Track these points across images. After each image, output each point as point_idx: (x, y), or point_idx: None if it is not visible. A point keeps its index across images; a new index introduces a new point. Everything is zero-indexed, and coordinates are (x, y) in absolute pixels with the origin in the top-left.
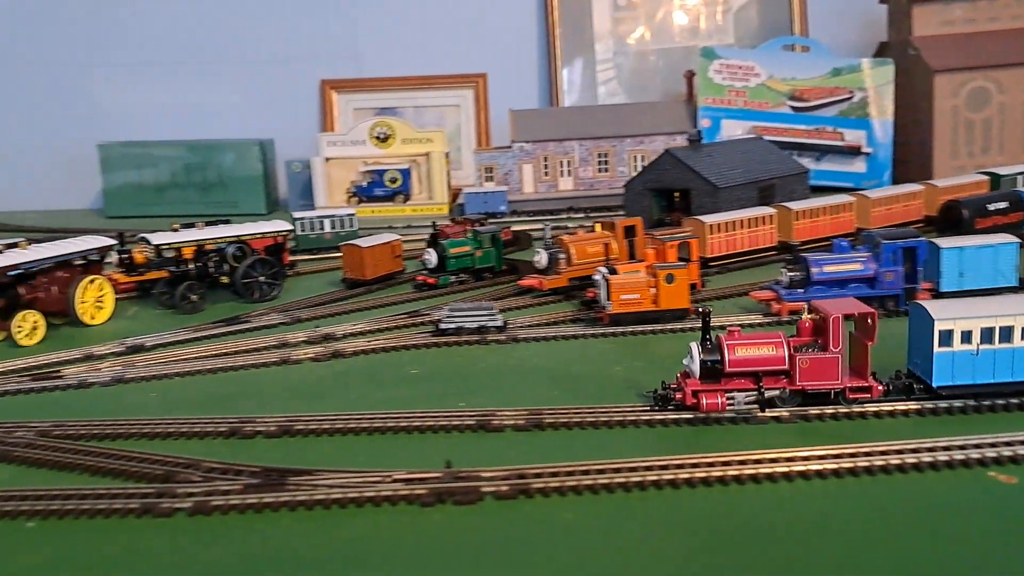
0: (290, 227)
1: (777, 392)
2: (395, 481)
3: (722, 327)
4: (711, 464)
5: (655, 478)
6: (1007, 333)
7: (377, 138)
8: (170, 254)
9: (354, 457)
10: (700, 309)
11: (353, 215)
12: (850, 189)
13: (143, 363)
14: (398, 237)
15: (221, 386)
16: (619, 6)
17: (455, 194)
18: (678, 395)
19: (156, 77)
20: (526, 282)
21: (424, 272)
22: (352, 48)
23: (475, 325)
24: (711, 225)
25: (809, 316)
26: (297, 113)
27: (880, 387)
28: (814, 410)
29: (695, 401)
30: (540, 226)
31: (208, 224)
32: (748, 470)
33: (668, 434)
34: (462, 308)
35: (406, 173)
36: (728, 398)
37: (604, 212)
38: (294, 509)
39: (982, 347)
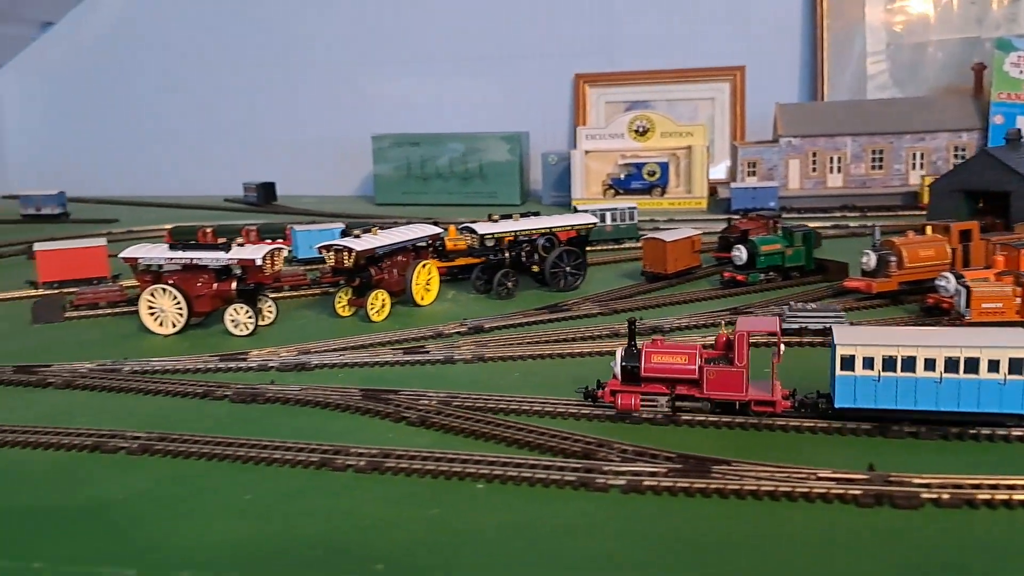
0: (594, 220)
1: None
2: (820, 479)
3: None
4: None
5: None
6: (910, 363)
7: (636, 131)
8: (490, 243)
9: (764, 452)
10: (630, 318)
11: (635, 208)
12: None
13: (491, 343)
14: (698, 232)
15: (576, 370)
16: None
17: (711, 189)
18: (599, 393)
19: (422, 73)
20: (853, 284)
21: (731, 269)
22: (606, 43)
23: (819, 326)
24: None
25: (726, 331)
26: (550, 107)
27: (787, 403)
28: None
29: (612, 400)
30: (814, 224)
31: (521, 216)
32: None
33: None
34: (806, 308)
35: (664, 167)
36: (649, 400)
37: (880, 212)
38: (726, 496)
39: (884, 374)
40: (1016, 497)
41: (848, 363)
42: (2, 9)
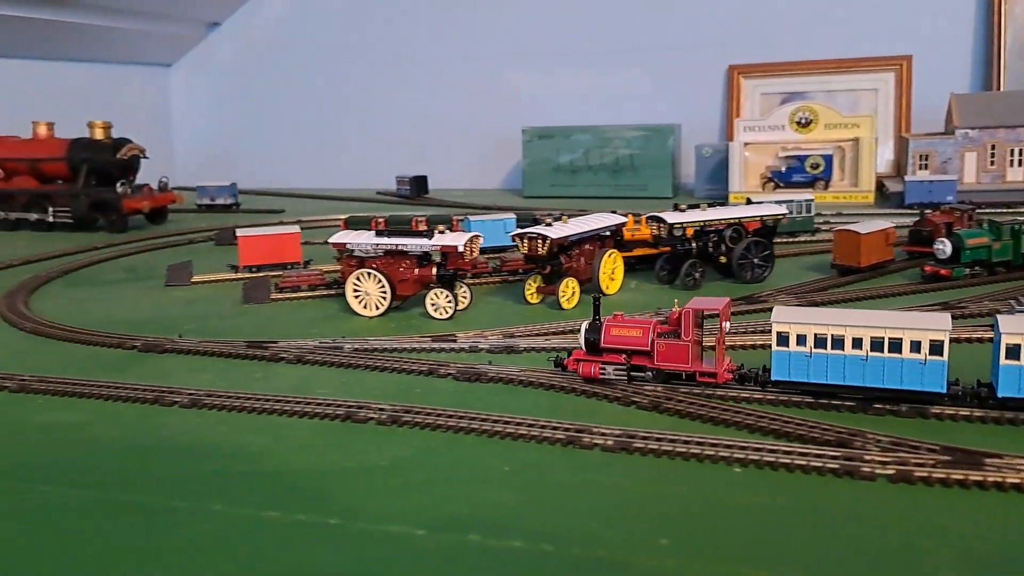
0: (784, 211)
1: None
2: None
3: None
4: None
5: None
6: (838, 341)
7: (798, 123)
8: (678, 233)
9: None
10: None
11: (811, 200)
12: None
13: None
14: (891, 224)
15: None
16: None
17: (877, 183)
18: (566, 361)
19: (571, 64)
20: None
21: (933, 263)
22: (762, 32)
23: None
24: None
25: (676, 308)
26: (702, 98)
27: (729, 375)
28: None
29: (576, 367)
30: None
31: (709, 206)
32: None
33: None
34: None
35: (829, 159)
36: (601, 368)
37: None
38: (1005, 490)
39: (815, 351)
40: None
41: (783, 340)
42: (171, 11)
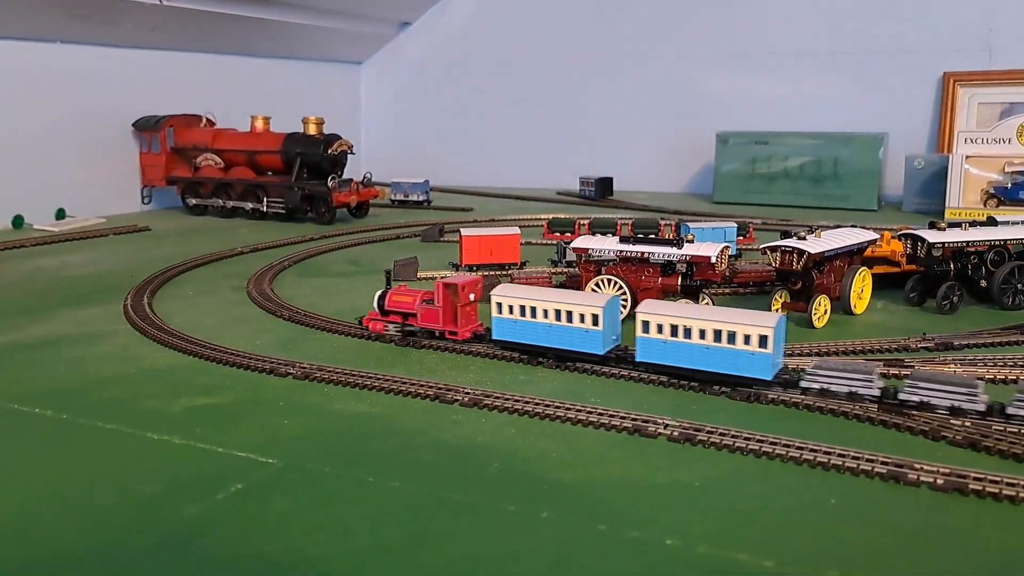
0: None
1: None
2: None
3: None
4: None
5: None
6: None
7: None
8: (937, 253)
9: None
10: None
11: None
12: None
13: (969, 361)
14: None
15: None
16: None
17: None
18: (364, 320)
19: (770, 68)
20: None
21: None
22: (984, 38)
23: None
24: None
25: (442, 280)
26: (911, 107)
27: (468, 334)
28: None
29: (367, 325)
30: None
31: (970, 226)
32: None
33: None
34: None
35: None
36: (385, 327)
37: None
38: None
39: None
40: None
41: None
42: (365, 11)
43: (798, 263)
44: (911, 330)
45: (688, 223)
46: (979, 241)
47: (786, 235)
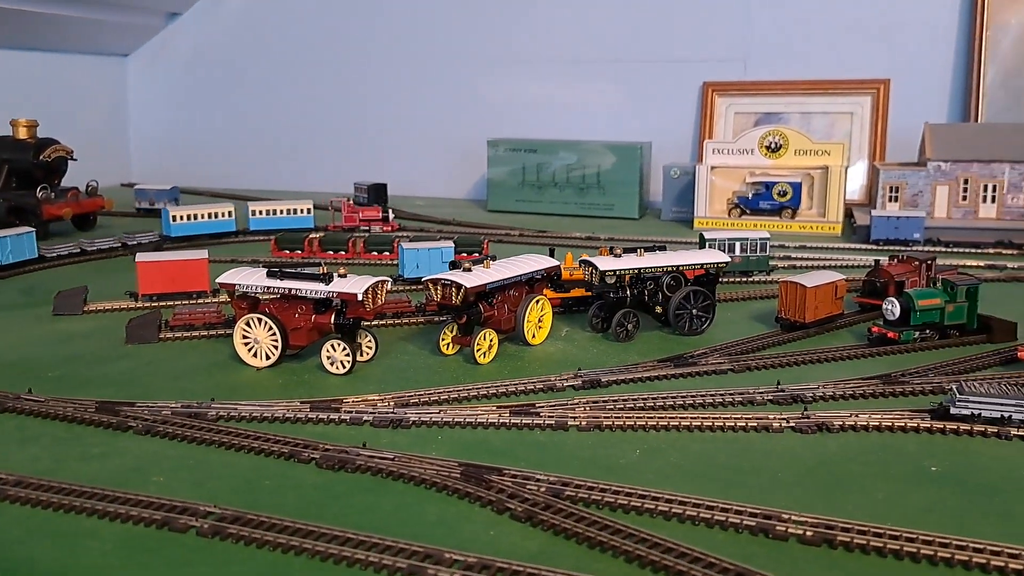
0: (727, 259)
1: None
2: None
3: None
4: None
5: None
6: None
7: (768, 148)
8: (611, 280)
9: None
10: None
11: (767, 240)
12: None
13: (611, 404)
14: (842, 276)
15: (708, 451)
16: None
17: (847, 211)
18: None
19: (541, 76)
20: None
21: (880, 324)
22: (740, 50)
23: (996, 414)
24: None
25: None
26: (675, 116)
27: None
28: None
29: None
30: (964, 262)
31: (646, 251)
32: None
33: None
34: (979, 391)
35: (797, 187)
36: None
37: None
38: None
39: None
40: None
41: None
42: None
43: (457, 297)
44: (585, 361)
45: (403, 244)
46: (652, 268)
47: (455, 266)
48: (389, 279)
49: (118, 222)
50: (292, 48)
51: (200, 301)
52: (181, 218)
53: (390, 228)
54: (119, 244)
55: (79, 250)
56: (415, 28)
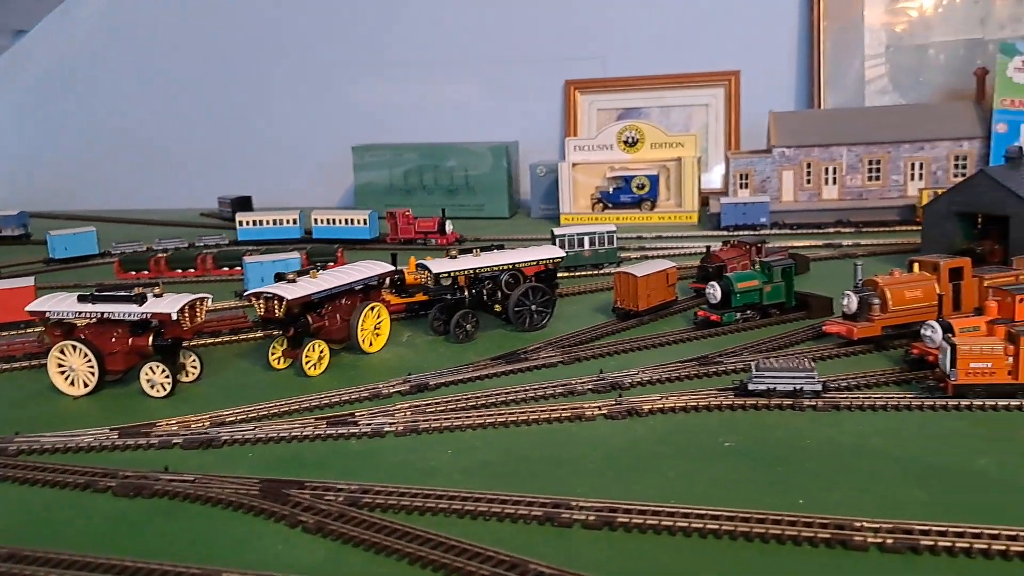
0: (562, 254)
1: None
2: None
3: None
4: None
5: None
6: None
7: (625, 142)
8: (446, 282)
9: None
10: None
11: (614, 232)
12: None
13: (432, 407)
14: (673, 264)
15: (518, 445)
16: None
17: (704, 200)
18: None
19: (404, 79)
20: (832, 329)
21: (705, 308)
22: (599, 48)
23: (789, 388)
24: None
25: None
26: (540, 115)
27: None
28: None
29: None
30: (806, 243)
31: (482, 250)
32: None
33: None
34: (773, 367)
35: (654, 179)
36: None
37: (876, 227)
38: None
39: None
40: None
41: None
42: None
43: (279, 310)
44: (422, 365)
45: (246, 258)
46: (487, 267)
47: (280, 277)
48: (210, 296)
49: None
50: (149, 61)
51: (28, 331)
52: (248, 223)
53: (445, 240)
54: None
55: None
56: (278, 39)
